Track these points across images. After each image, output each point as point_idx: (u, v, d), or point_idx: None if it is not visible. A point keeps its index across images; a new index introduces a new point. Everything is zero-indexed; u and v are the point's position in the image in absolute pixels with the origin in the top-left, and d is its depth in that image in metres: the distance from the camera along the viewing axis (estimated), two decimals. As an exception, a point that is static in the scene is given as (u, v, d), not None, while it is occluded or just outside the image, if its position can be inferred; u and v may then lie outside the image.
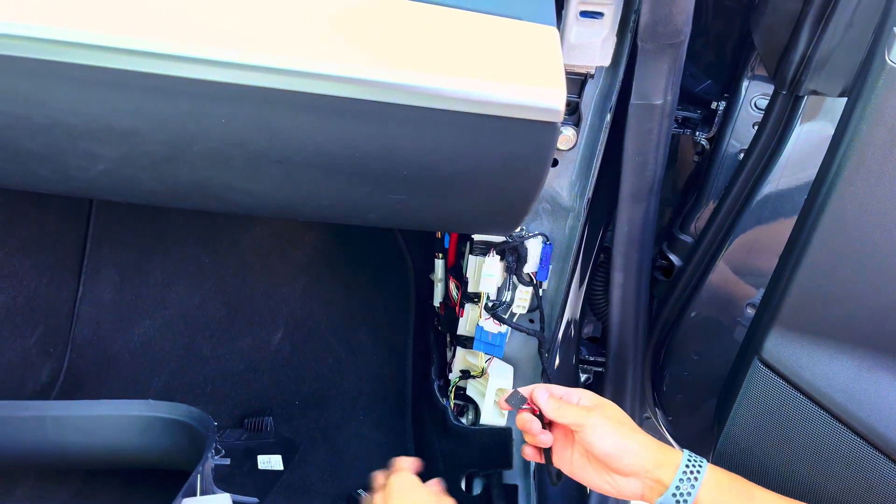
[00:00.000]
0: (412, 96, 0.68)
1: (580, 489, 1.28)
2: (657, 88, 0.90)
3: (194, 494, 0.95)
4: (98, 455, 1.10)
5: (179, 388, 1.53)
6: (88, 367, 1.53)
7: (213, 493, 0.98)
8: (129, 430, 1.08)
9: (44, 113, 0.72)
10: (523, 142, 0.71)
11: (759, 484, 0.93)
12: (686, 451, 0.83)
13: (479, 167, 0.74)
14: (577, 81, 0.93)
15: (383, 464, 1.21)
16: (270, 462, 1.32)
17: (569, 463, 0.88)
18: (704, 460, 0.83)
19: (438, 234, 1.34)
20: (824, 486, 0.87)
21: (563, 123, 0.96)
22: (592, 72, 0.92)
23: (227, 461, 1.19)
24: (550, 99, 0.69)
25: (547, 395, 0.89)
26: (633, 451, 0.83)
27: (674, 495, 0.81)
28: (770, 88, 0.96)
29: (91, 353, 1.54)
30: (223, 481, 1.03)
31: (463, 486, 1.23)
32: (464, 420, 1.29)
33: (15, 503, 1.24)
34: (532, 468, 1.25)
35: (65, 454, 1.11)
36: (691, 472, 0.81)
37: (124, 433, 1.08)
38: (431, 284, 1.41)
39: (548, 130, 0.70)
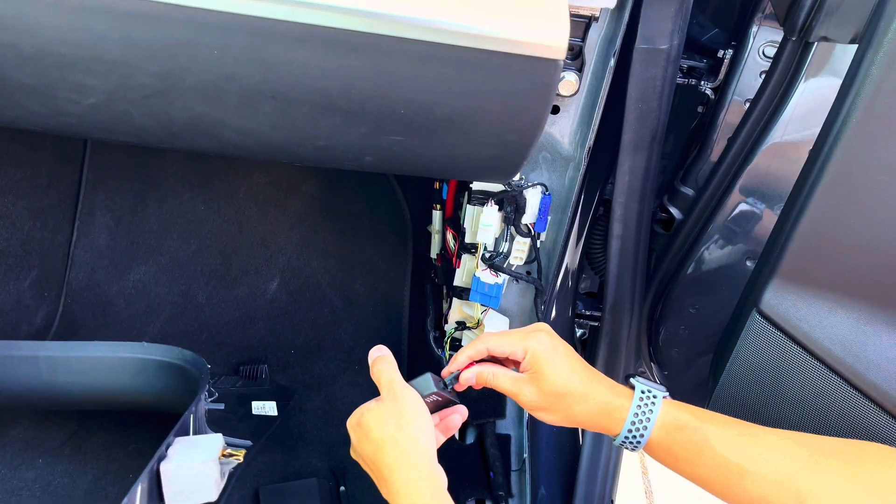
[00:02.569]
0: (410, 29, 0.66)
1: (573, 438, 1.29)
2: (663, 32, 0.88)
3: (187, 434, 0.95)
4: (92, 396, 1.10)
5: (175, 335, 1.53)
6: (83, 311, 1.53)
7: (206, 434, 0.98)
8: (123, 371, 1.08)
9: (31, 42, 0.70)
10: (524, 80, 0.69)
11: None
12: (637, 391, 0.81)
13: (478, 106, 0.72)
14: (581, 24, 0.91)
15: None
16: (265, 408, 1.33)
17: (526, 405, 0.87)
18: (659, 395, 0.81)
19: (436, 185, 1.32)
20: (817, 439, 0.87)
21: (566, 68, 0.94)
22: (597, 14, 0.90)
23: (221, 406, 1.20)
24: (553, 34, 0.67)
25: (474, 379, 0.87)
26: (568, 425, 0.84)
27: (623, 442, 0.81)
28: (779, 35, 0.94)
29: (86, 298, 1.54)
30: (217, 425, 1.03)
31: (456, 435, 1.24)
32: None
33: (11, 444, 1.25)
34: (525, 418, 1.25)
35: (59, 395, 1.11)
36: (640, 420, 0.80)
37: (118, 375, 1.08)
38: (428, 236, 1.40)
39: (549, 68, 0.69)
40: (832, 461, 0.72)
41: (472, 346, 0.89)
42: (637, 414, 0.80)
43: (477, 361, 0.89)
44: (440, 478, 0.78)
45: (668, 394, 0.83)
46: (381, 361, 0.86)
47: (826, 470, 0.71)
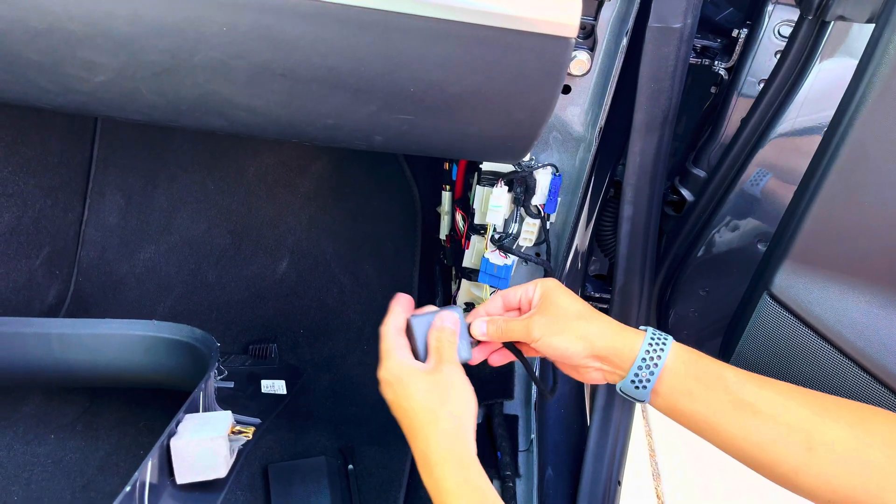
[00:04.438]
0: (420, 6, 0.65)
1: (580, 419, 1.29)
2: (676, 11, 0.86)
3: (196, 411, 0.96)
4: (102, 373, 1.11)
5: (184, 314, 1.54)
6: (94, 290, 1.54)
7: (216, 411, 0.99)
8: (133, 349, 1.08)
9: (40, 18, 0.70)
10: (535, 58, 0.69)
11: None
12: (649, 332, 0.79)
13: (488, 85, 0.72)
14: (593, 2, 0.90)
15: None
16: (274, 387, 1.34)
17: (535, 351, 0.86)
18: (669, 338, 0.79)
19: (446, 166, 1.32)
20: (826, 422, 0.87)
21: (578, 47, 0.93)
22: (610, -8, 0.89)
23: (231, 384, 1.21)
24: (565, 12, 0.66)
25: (484, 327, 0.87)
26: (581, 350, 0.80)
27: (632, 381, 0.78)
28: (795, 14, 0.93)
29: (97, 277, 1.55)
30: (226, 402, 1.04)
31: (464, 415, 1.24)
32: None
33: (24, 420, 1.26)
34: (533, 399, 1.25)
35: (70, 372, 1.12)
36: (651, 357, 0.77)
37: (128, 352, 1.09)
38: (437, 217, 1.40)
39: (561, 47, 0.68)
40: (843, 412, 0.72)
41: (488, 302, 0.89)
42: (651, 342, 0.77)
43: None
44: (471, 453, 0.78)
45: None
46: (447, 333, 0.85)
47: (837, 419, 0.71)
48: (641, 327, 0.81)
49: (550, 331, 0.81)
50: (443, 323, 0.86)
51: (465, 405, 0.80)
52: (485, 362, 1.20)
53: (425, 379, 0.80)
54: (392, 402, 0.82)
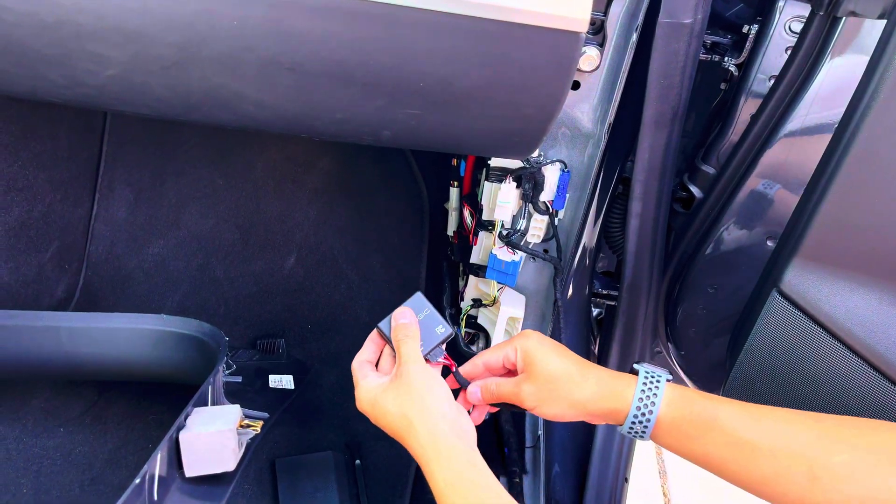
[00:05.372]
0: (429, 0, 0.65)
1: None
2: (687, 6, 0.86)
3: (205, 405, 0.96)
4: (112, 367, 1.12)
5: (193, 309, 1.54)
6: (104, 284, 1.55)
7: (224, 405, 0.99)
8: (142, 343, 1.09)
9: (51, 11, 0.70)
10: (545, 53, 0.68)
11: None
12: (640, 378, 0.80)
13: (497, 80, 0.71)
14: (603, -3, 0.90)
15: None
16: (282, 382, 1.34)
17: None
18: (662, 378, 0.79)
19: (454, 162, 1.32)
20: (835, 420, 0.87)
21: (587, 42, 0.92)
22: (620, -13, 0.88)
23: (239, 379, 1.21)
24: (575, 7, 0.66)
25: (478, 394, 0.90)
26: (574, 415, 0.83)
27: (630, 430, 0.80)
28: (806, 10, 0.92)
29: (106, 271, 1.55)
30: (234, 396, 1.04)
31: (470, 412, 1.24)
32: (474, 348, 1.29)
33: (33, 413, 1.27)
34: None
35: (79, 365, 1.12)
36: (645, 406, 0.79)
37: (137, 346, 1.09)
38: (445, 213, 1.40)
39: (571, 42, 0.68)
40: (844, 434, 0.71)
41: (468, 363, 0.92)
42: (643, 390, 0.79)
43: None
44: (465, 441, 0.79)
45: (671, 377, 0.82)
46: (404, 332, 0.87)
47: (838, 442, 0.70)
48: (636, 365, 0.82)
49: (541, 400, 0.83)
50: (397, 321, 0.89)
51: (433, 399, 0.80)
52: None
53: (392, 389, 0.82)
54: (378, 424, 0.84)
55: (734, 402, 0.77)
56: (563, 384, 0.82)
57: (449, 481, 0.75)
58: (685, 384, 1.37)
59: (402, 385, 0.82)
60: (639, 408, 0.78)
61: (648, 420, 0.78)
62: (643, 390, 0.79)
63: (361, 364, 0.90)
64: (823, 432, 0.72)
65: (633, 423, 0.79)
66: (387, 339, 0.91)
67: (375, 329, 0.92)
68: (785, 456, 0.71)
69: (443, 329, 0.90)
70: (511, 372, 0.90)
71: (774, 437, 0.73)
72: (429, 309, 0.92)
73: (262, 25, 0.69)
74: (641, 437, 0.80)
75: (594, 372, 0.82)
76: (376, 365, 0.91)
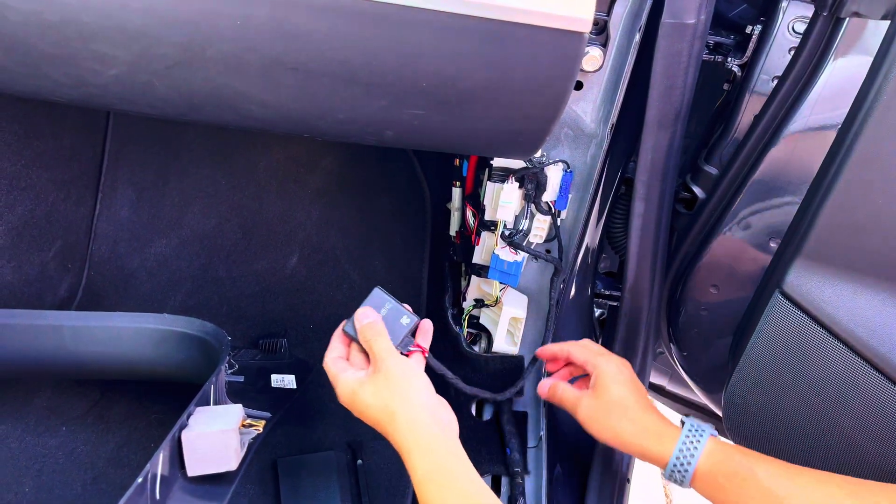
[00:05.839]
0: (433, -1, 0.65)
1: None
2: (690, 7, 0.86)
3: (207, 404, 0.96)
4: (114, 366, 1.12)
5: (195, 308, 1.54)
6: (106, 284, 1.55)
7: (226, 404, 0.99)
8: (144, 342, 1.09)
9: (55, 10, 0.70)
10: (548, 53, 0.68)
11: (771, 420, 0.93)
12: (684, 430, 0.85)
13: (501, 80, 0.72)
14: (606, -2, 0.90)
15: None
16: (284, 381, 1.34)
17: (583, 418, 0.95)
18: (706, 433, 0.85)
19: (457, 162, 1.32)
20: (839, 422, 0.87)
21: (590, 43, 0.92)
22: (623, -12, 0.88)
23: (241, 378, 1.21)
24: (578, 7, 0.66)
25: (546, 389, 1.01)
26: (612, 443, 0.90)
27: (670, 476, 0.85)
28: (809, 11, 0.92)
29: (108, 271, 1.55)
30: (236, 396, 1.04)
31: (473, 411, 1.24)
32: (476, 348, 1.29)
33: (35, 412, 1.27)
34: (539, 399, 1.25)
35: (82, 364, 1.13)
36: (684, 457, 0.84)
37: (140, 345, 1.09)
38: (448, 214, 1.40)
39: (574, 42, 0.68)
40: (877, 497, 0.73)
41: (559, 345, 1.04)
42: (686, 441, 0.84)
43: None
44: (446, 432, 0.81)
45: (716, 434, 0.87)
46: (372, 331, 0.89)
47: None
48: (683, 418, 0.88)
49: (591, 417, 0.92)
50: (361, 322, 0.92)
51: (414, 391, 0.83)
52: (490, 358, 1.20)
53: (369, 384, 0.84)
54: (360, 417, 0.86)
55: (772, 460, 0.81)
56: (617, 413, 0.90)
57: (428, 471, 0.76)
58: (688, 386, 1.37)
59: (381, 379, 0.84)
60: (678, 458, 0.84)
61: (687, 470, 0.83)
62: (685, 439, 0.84)
63: (335, 361, 0.91)
64: (854, 494, 0.74)
65: (673, 471, 0.84)
66: (354, 339, 0.92)
67: (340, 330, 0.94)
68: None
69: (407, 319, 0.92)
70: (576, 370, 1.03)
71: (805, 495, 0.76)
72: (390, 302, 0.94)
73: (266, 25, 0.69)
74: (681, 484, 0.84)
75: (650, 415, 0.89)
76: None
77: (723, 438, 0.87)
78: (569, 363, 1.04)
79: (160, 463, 0.86)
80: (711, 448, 0.83)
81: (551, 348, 1.05)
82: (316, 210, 1.67)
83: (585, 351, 0.99)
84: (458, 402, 1.20)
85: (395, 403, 0.82)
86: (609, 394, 0.91)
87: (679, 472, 0.83)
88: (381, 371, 0.85)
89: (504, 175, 1.08)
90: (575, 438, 1.24)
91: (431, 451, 0.78)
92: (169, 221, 1.61)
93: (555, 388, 0.99)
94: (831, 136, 0.82)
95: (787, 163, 1.00)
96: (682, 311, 1.20)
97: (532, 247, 1.12)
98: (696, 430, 0.85)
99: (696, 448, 0.83)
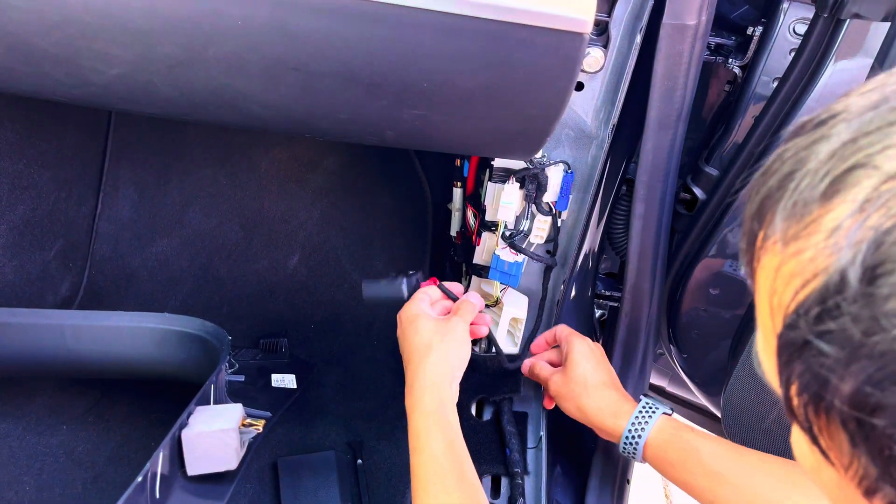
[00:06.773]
0: (434, 0, 0.65)
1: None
2: (691, 7, 0.86)
3: (207, 403, 0.96)
4: (115, 365, 1.12)
5: (196, 307, 1.54)
6: (107, 283, 1.55)
7: (226, 403, 0.99)
8: (145, 341, 1.09)
9: (56, 10, 0.71)
10: (549, 54, 0.69)
11: (770, 420, 0.93)
12: (638, 407, 0.92)
13: (502, 80, 0.72)
14: (607, -1, 0.90)
15: (396, 388, 1.21)
16: (284, 381, 1.34)
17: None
18: (659, 411, 0.91)
19: (457, 162, 1.32)
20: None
21: (591, 44, 0.92)
22: (624, -11, 0.89)
23: (241, 378, 1.21)
24: (579, 8, 0.66)
25: (526, 367, 1.12)
26: (577, 417, 0.99)
27: (622, 449, 0.92)
28: (810, 12, 0.92)
29: (110, 270, 1.56)
30: (237, 395, 1.04)
31: (473, 411, 1.24)
32: (476, 348, 1.29)
33: (36, 411, 1.27)
34: (543, 396, 1.25)
35: (83, 364, 1.13)
36: (635, 432, 0.90)
37: (140, 345, 1.09)
38: (448, 214, 1.40)
39: (575, 42, 0.68)
40: (806, 480, 0.74)
41: (548, 331, 1.12)
42: (638, 417, 0.91)
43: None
44: (450, 391, 0.89)
45: (671, 412, 0.93)
46: (470, 304, 0.99)
47: (796, 486, 0.77)
48: (642, 396, 0.95)
49: (559, 392, 1.01)
50: (468, 297, 1.01)
51: (457, 350, 0.91)
52: (490, 358, 1.20)
53: (433, 322, 0.93)
54: (400, 339, 0.94)
55: (719, 439, 0.87)
56: (581, 389, 0.97)
57: (433, 409, 0.85)
58: (688, 387, 1.37)
59: (444, 328, 0.92)
60: (630, 431, 0.90)
61: (635, 446, 0.89)
62: (637, 417, 0.91)
63: (424, 296, 1.00)
64: (788, 478, 0.79)
65: (625, 444, 0.91)
66: (449, 295, 1.03)
67: (438, 285, 1.04)
68: (750, 493, 0.80)
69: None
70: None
71: (746, 475, 0.81)
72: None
73: (268, 25, 0.69)
74: (633, 457, 0.91)
75: (610, 391, 0.96)
76: None
77: (679, 417, 0.96)
78: (556, 345, 1.11)
79: (160, 462, 0.87)
80: (662, 425, 0.89)
81: (542, 339, 1.13)
82: (317, 210, 1.67)
83: (565, 329, 1.07)
84: (459, 403, 1.20)
85: (440, 349, 0.89)
86: (576, 370, 0.98)
87: (630, 444, 0.90)
88: (450, 322, 0.93)
89: (505, 175, 1.08)
90: (575, 440, 1.24)
91: (441, 397, 0.86)
92: (170, 221, 1.61)
93: (534, 365, 1.08)
94: (832, 137, 0.82)
95: (788, 164, 1.00)
96: (683, 312, 1.20)
97: (532, 247, 1.13)
98: (650, 408, 0.91)
99: (647, 423, 0.89)
